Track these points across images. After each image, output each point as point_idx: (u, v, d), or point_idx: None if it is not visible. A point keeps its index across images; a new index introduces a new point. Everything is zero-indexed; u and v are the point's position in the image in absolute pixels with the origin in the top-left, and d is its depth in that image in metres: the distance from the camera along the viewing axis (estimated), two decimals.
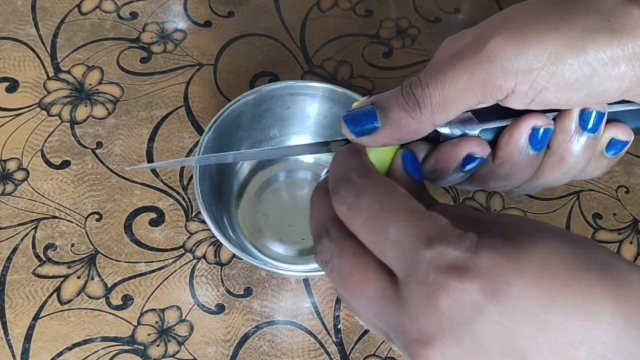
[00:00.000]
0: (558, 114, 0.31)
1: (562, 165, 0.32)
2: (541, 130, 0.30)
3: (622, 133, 0.32)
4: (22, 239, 0.50)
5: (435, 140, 0.32)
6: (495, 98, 0.29)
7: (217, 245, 0.51)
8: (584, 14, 0.28)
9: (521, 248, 0.24)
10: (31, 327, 0.47)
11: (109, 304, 0.48)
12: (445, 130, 0.32)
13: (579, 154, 0.31)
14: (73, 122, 0.55)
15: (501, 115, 0.31)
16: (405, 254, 0.24)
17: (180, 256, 0.50)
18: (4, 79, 0.57)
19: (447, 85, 0.29)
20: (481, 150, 0.31)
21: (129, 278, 0.49)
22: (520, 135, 0.31)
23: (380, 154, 0.31)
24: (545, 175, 0.32)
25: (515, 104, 0.30)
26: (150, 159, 0.54)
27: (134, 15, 0.61)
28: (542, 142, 0.31)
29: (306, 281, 0.50)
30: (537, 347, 0.23)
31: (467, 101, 0.29)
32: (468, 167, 0.31)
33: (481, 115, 0.32)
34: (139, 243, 0.50)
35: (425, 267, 0.24)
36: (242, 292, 0.49)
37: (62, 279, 0.49)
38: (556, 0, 0.29)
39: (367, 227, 0.26)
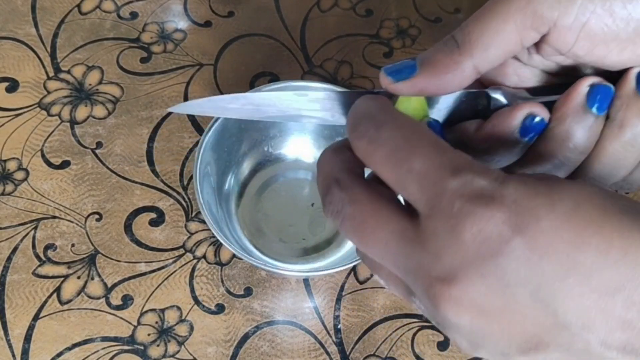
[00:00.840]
0: (618, 80, 0.29)
1: (622, 134, 0.29)
2: (599, 89, 0.28)
3: None
4: (22, 239, 0.50)
5: (485, 113, 0.31)
6: (537, 30, 0.28)
7: (217, 245, 0.51)
8: None
9: (552, 185, 0.23)
10: (31, 327, 0.47)
11: (109, 304, 0.48)
12: (497, 95, 0.30)
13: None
14: (73, 122, 0.55)
15: (554, 92, 0.30)
16: (430, 185, 0.23)
17: (180, 256, 0.50)
18: (4, 79, 0.57)
19: (486, 16, 0.27)
20: (543, 111, 0.29)
21: (129, 278, 0.49)
22: (578, 93, 0.29)
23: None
24: (607, 147, 0.29)
25: (559, 44, 0.28)
26: (150, 159, 0.54)
27: (134, 15, 0.61)
28: (600, 103, 0.28)
29: (306, 281, 0.50)
30: (568, 290, 0.21)
31: (507, 36, 0.27)
32: (529, 134, 0.29)
33: (534, 93, 0.31)
34: (139, 243, 0.50)
35: (450, 195, 0.23)
36: (242, 292, 0.49)
37: (62, 279, 0.49)
38: None
39: (389, 159, 0.24)
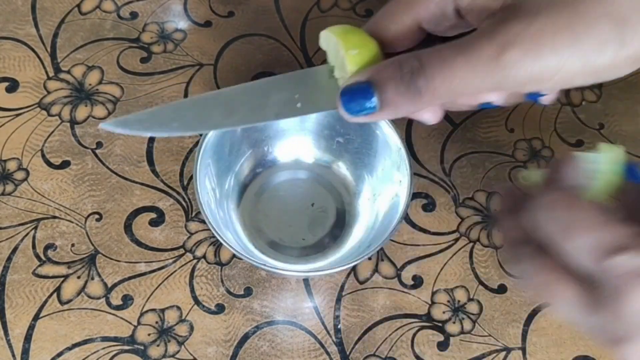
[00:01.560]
0: None
1: None
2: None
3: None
4: (22, 239, 0.50)
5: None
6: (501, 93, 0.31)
7: (217, 245, 0.51)
8: (598, 24, 0.28)
9: None
10: (31, 327, 0.47)
11: (109, 304, 0.48)
12: None
13: None
14: (73, 122, 0.55)
15: None
16: (590, 263, 0.26)
17: (180, 256, 0.50)
18: (4, 79, 0.57)
19: (457, 82, 0.29)
20: None
21: (129, 278, 0.49)
22: None
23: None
24: None
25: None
26: (150, 159, 0.54)
27: (134, 15, 0.61)
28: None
29: (306, 281, 0.50)
30: None
31: (473, 96, 0.30)
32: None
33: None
34: (139, 243, 0.50)
35: (608, 275, 0.25)
36: (242, 292, 0.49)
37: (62, 279, 0.49)
38: (571, 10, 0.29)
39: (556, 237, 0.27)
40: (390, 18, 0.32)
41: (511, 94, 0.34)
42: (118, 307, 0.48)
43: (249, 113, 0.33)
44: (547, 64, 0.28)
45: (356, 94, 0.30)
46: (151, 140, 0.55)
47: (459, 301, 0.50)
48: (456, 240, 0.52)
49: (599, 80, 0.30)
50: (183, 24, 0.61)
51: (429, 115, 0.34)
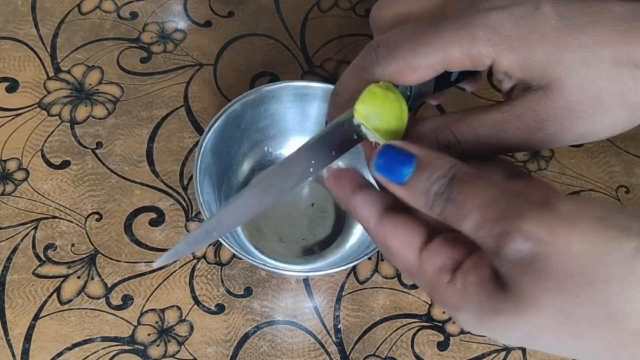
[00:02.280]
0: None
1: None
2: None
3: None
4: (22, 239, 0.50)
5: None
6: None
7: (217, 245, 0.51)
8: (593, 31, 0.29)
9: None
10: (31, 327, 0.47)
11: (109, 304, 0.48)
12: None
13: None
14: (73, 122, 0.55)
15: None
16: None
17: None
18: (4, 79, 0.57)
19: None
20: None
21: (129, 278, 0.49)
22: None
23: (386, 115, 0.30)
24: None
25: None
26: (150, 159, 0.54)
27: (134, 15, 0.61)
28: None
29: (306, 281, 0.50)
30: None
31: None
32: None
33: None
34: (139, 243, 0.50)
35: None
36: (242, 292, 0.49)
37: (62, 279, 0.49)
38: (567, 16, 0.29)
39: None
40: (416, 60, 0.30)
41: None
42: (118, 307, 0.48)
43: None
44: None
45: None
46: (151, 140, 0.55)
47: None
48: None
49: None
50: (183, 24, 0.61)
51: None
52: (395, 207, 0.29)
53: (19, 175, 0.53)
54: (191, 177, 0.53)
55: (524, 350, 0.48)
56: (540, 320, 0.24)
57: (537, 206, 0.24)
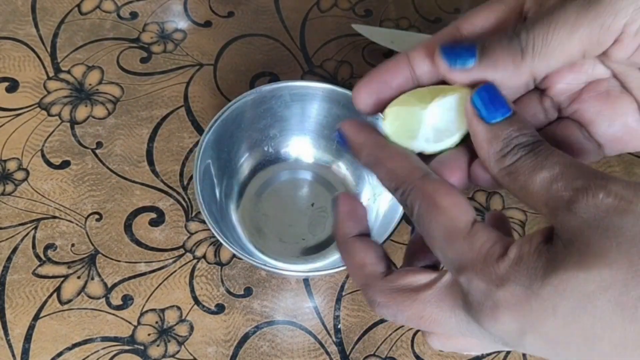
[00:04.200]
0: None
1: None
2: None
3: None
4: (22, 239, 0.50)
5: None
6: (601, 44, 0.28)
7: (217, 245, 0.51)
8: None
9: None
10: (31, 327, 0.47)
11: (109, 304, 0.48)
12: None
13: None
14: (73, 122, 0.55)
15: None
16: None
17: (180, 256, 0.50)
18: (4, 79, 0.57)
19: (553, 24, 0.27)
20: None
21: (129, 278, 0.49)
22: None
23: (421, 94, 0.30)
24: None
25: (620, 54, 0.28)
26: (150, 159, 0.54)
27: (134, 15, 0.61)
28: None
29: (306, 281, 0.50)
30: None
31: (571, 48, 0.28)
32: None
33: None
34: (139, 243, 0.50)
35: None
36: (242, 292, 0.49)
37: (62, 279, 0.49)
38: None
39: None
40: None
41: None
42: (118, 307, 0.48)
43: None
44: None
45: (459, 48, 0.29)
46: (151, 140, 0.55)
47: None
48: None
49: None
50: (183, 24, 0.61)
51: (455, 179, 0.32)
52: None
53: (19, 175, 0.53)
54: (191, 177, 0.53)
55: None
56: (607, 274, 0.23)
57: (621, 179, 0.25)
